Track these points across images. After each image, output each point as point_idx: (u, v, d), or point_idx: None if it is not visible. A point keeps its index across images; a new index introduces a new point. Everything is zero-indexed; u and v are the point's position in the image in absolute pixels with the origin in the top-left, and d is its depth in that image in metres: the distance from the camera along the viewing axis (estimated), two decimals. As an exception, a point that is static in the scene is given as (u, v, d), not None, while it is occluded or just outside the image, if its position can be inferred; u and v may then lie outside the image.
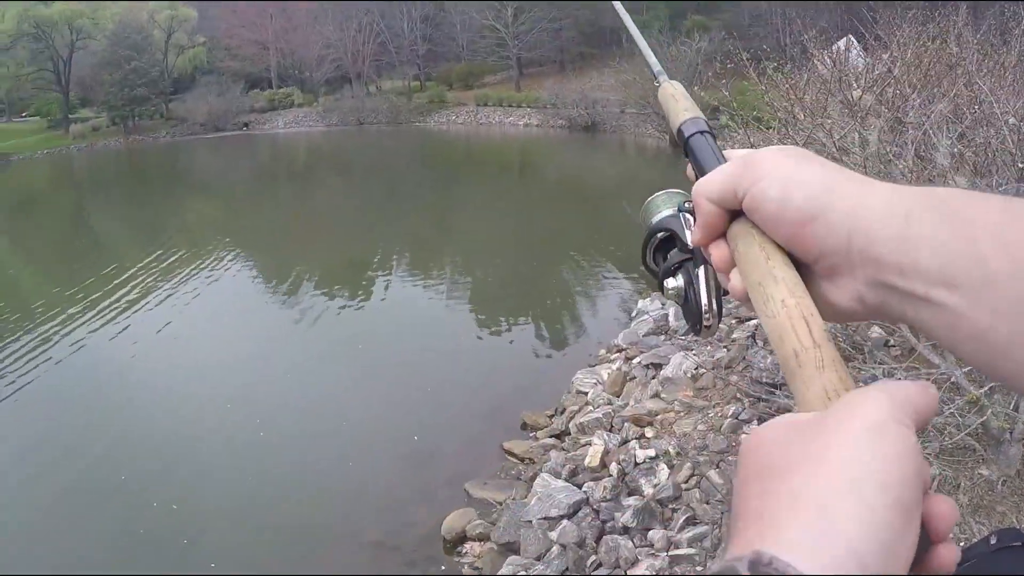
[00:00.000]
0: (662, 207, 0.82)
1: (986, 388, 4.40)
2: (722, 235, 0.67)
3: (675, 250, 0.79)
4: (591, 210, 22.24)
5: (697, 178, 0.72)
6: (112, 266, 16.94)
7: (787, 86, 6.61)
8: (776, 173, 0.61)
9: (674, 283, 0.76)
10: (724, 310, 0.76)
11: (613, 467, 6.25)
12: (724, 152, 0.73)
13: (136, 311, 13.42)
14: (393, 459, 7.94)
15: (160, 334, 12.25)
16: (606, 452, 6.50)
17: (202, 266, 16.58)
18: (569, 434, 7.46)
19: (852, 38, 14.59)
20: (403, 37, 64.99)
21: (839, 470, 0.41)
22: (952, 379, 4.70)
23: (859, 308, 0.58)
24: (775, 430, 0.49)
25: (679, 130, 0.80)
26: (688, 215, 0.78)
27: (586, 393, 8.15)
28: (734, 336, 7.92)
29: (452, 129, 52.99)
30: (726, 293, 0.73)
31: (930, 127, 5.47)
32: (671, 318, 9.36)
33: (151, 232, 21.43)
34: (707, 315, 0.72)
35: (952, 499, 0.48)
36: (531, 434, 8.01)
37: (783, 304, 0.58)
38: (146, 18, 69.02)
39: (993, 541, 3.27)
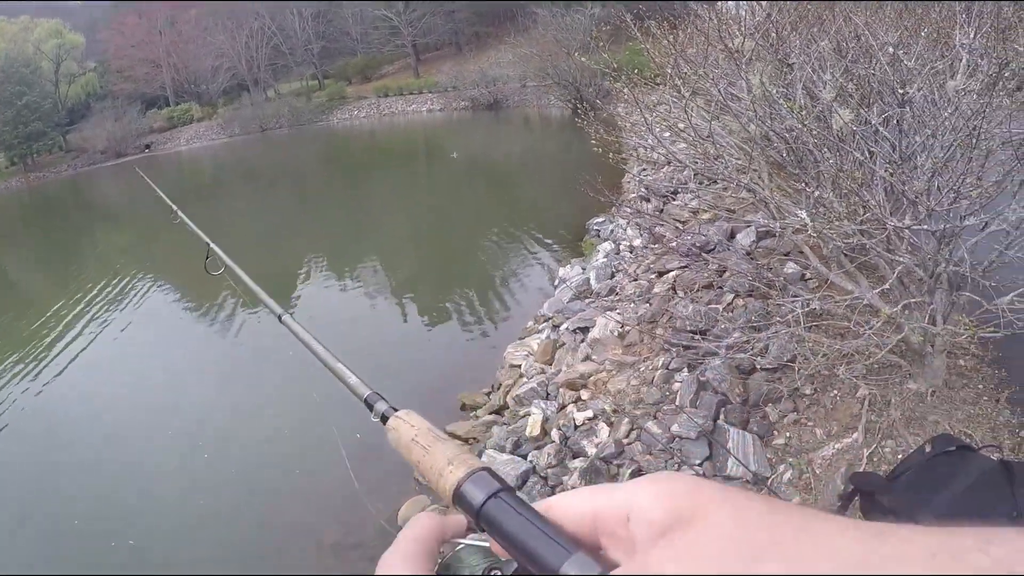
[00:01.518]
0: (463, 567, 0.61)
1: (900, 306, 4.58)
2: None
3: None
4: (502, 186, 22.37)
5: (519, 564, 0.52)
6: (30, 309, 16.57)
7: (669, 41, 6.74)
8: None
9: None
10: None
11: (554, 433, 6.37)
12: (541, 505, 0.52)
13: (64, 351, 13.09)
14: (337, 458, 7.94)
15: (91, 370, 12.03)
16: (545, 420, 6.61)
17: (123, 297, 16.23)
18: (508, 408, 7.55)
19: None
20: (296, 38, 64.17)
21: None
22: (866, 301, 4.91)
23: None
24: None
25: (458, 494, 0.58)
26: None
27: (519, 366, 8.24)
28: (655, 290, 8.08)
29: (356, 124, 52.50)
30: None
31: (814, 65, 5.65)
32: (592, 281, 9.51)
33: (67, 270, 20.91)
34: None
35: None
36: (471, 414, 8.08)
37: None
38: (32, 50, 66.62)
39: (928, 449, 3.44)
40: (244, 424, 9.07)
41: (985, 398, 4.86)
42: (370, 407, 0.85)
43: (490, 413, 7.75)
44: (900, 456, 4.38)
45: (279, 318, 1.49)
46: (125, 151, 60.07)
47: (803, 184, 5.15)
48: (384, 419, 0.78)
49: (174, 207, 3.31)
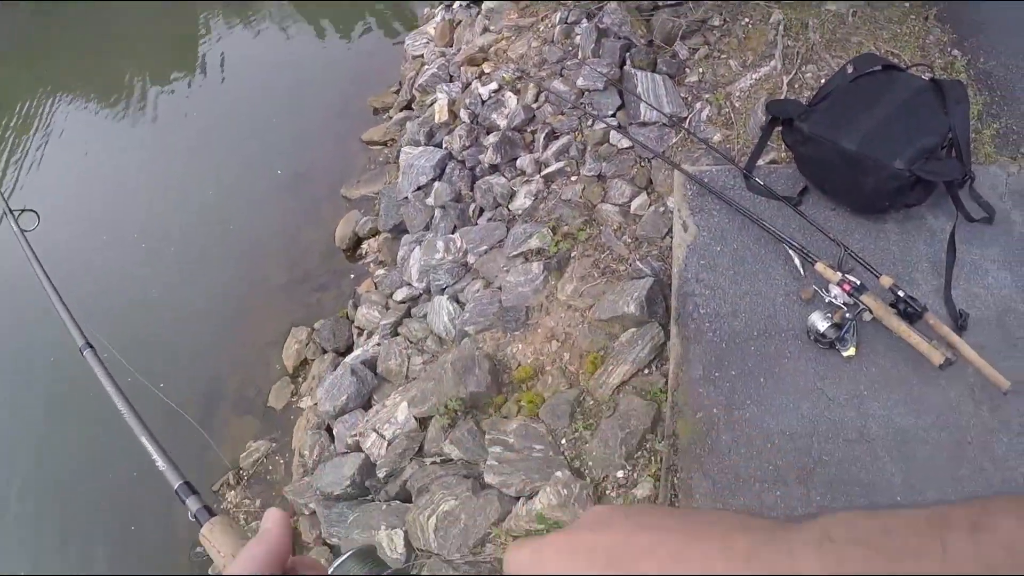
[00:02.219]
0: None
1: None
2: None
3: None
4: None
5: None
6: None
7: None
8: None
9: None
10: None
11: (463, 114, 6.12)
12: None
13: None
14: (266, 200, 7.77)
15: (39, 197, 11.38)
16: (452, 102, 6.33)
17: (37, 119, 15.01)
18: (415, 100, 7.26)
19: None
20: None
21: None
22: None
23: None
24: None
25: None
26: None
27: (420, 56, 7.82)
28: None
29: None
30: None
31: None
32: (482, -51, 8.85)
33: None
34: None
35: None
36: (384, 116, 7.82)
37: None
38: None
39: (850, 70, 3.21)
40: (170, 200, 8.65)
41: (912, 16, 4.62)
42: (183, 500, 0.72)
43: (401, 110, 7.45)
44: (823, 81, 4.22)
45: (80, 351, 1.12)
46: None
47: None
48: (198, 521, 0.68)
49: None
